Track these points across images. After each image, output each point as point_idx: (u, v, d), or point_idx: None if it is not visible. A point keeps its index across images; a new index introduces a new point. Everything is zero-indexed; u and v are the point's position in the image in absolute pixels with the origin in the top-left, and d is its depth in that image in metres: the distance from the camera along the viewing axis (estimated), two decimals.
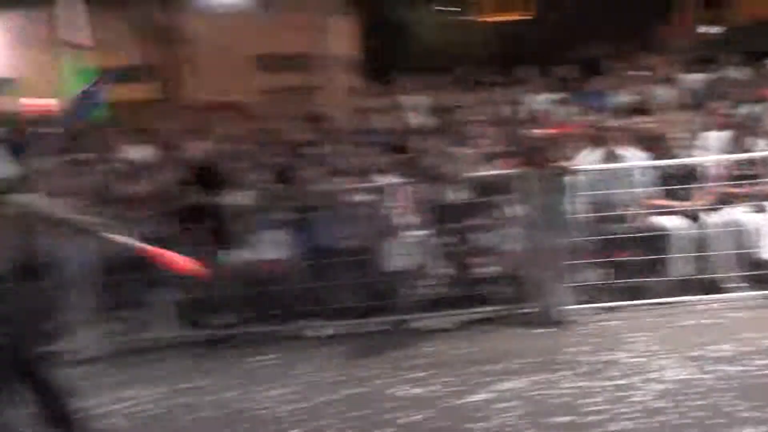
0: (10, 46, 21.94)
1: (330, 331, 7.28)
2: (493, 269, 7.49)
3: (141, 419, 5.54)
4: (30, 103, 18.51)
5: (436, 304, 7.42)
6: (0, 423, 4.48)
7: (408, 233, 7.30)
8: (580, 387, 5.31)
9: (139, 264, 7.02)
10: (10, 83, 22.37)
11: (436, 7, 28.67)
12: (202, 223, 7.43)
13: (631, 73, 12.31)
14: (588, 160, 7.72)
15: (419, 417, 4.97)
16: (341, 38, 26.59)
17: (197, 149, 8.11)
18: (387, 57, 28.57)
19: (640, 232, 7.26)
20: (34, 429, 4.56)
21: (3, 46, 23.27)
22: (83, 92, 11.52)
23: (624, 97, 10.88)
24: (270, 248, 7.39)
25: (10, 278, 4.30)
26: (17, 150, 6.31)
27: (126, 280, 7.32)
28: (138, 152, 8.86)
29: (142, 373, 6.61)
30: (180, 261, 4.60)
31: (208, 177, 7.70)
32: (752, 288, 6.98)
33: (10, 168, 4.61)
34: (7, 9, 22.16)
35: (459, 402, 5.21)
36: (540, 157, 7.21)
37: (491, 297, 7.41)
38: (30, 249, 4.48)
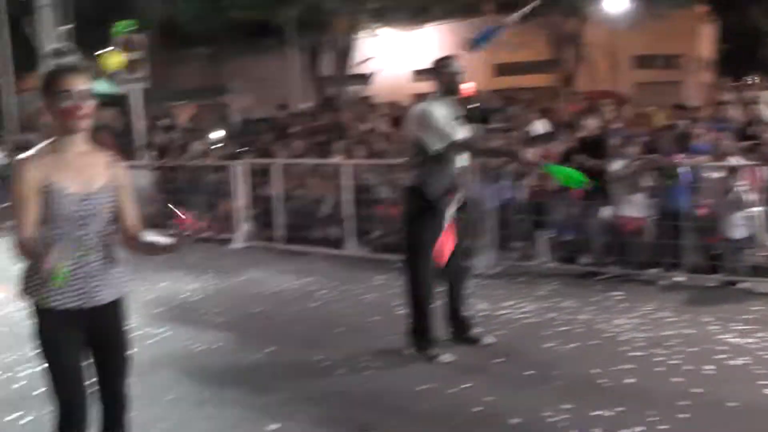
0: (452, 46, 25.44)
1: (672, 281, 7.66)
2: None
3: (514, 325, 6.34)
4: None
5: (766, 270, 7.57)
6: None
7: (749, 208, 7.44)
8: None
9: (531, 208, 8.52)
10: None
11: None
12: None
13: None
14: None
15: (739, 362, 5.25)
16: (704, 42, 26.56)
17: (587, 126, 8.58)
18: (740, 58, 28.23)
19: None
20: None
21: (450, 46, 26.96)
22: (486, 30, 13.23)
23: None
24: (634, 208, 7.91)
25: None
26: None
27: (520, 220, 8.66)
28: (540, 126, 9.78)
29: (521, 291, 7.50)
30: None
31: (594, 147, 8.21)
32: None
33: (472, 130, 5.82)
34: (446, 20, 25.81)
35: None
36: None
37: None
38: (462, 185, 5.64)
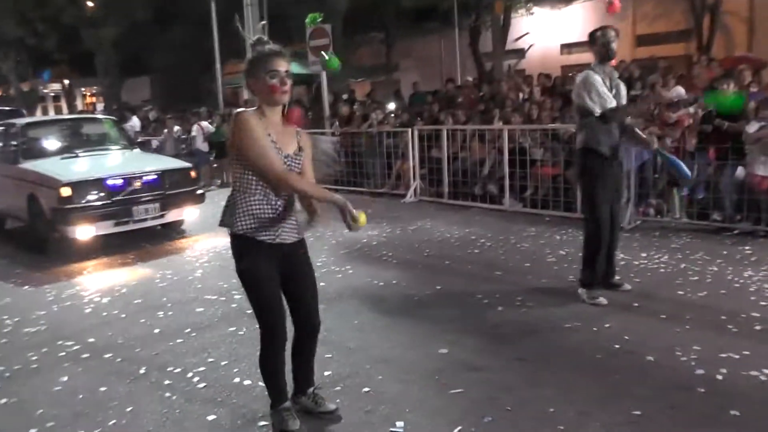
0: (599, 21, 24.66)
1: None
2: None
3: (650, 274, 6.15)
4: None
5: None
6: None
7: None
8: None
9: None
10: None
11: None
12: (723, 143, 7.74)
13: None
14: None
15: None
16: None
17: (724, 91, 7.90)
18: None
19: None
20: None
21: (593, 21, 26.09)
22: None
23: None
24: (765, 167, 7.37)
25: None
26: None
27: (656, 178, 8.48)
28: (676, 92, 9.12)
29: (656, 244, 7.27)
30: None
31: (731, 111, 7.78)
32: None
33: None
34: None
35: None
36: None
37: None
38: (618, 141, 5.46)
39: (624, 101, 5.57)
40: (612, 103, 5.29)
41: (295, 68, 16.17)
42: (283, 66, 3.15)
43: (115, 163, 8.86)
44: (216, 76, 19.63)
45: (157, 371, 4.42)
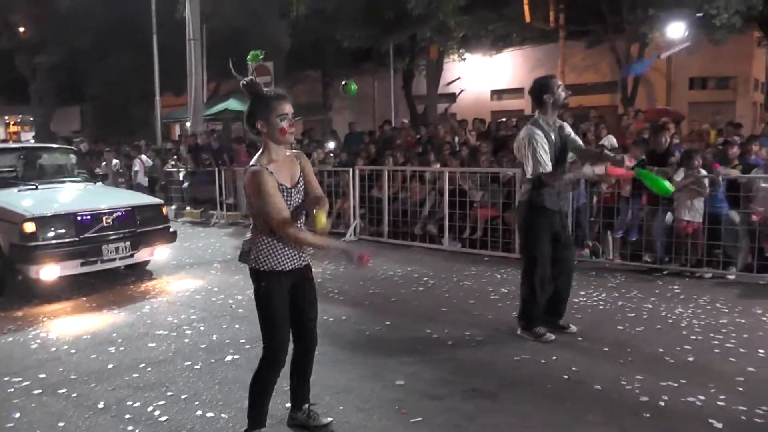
0: (528, 70, 26.08)
1: (726, 276, 7.76)
2: None
3: (591, 311, 6.50)
4: None
5: None
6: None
7: None
8: None
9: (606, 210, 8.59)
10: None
11: None
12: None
13: None
14: None
15: None
16: (757, 64, 25.96)
17: (659, 142, 8.63)
18: None
19: None
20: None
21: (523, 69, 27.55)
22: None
23: None
24: (692, 213, 7.90)
25: None
26: None
27: (593, 221, 8.96)
28: (608, 140, 9.81)
29: (593, 282, 7.59)
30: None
31: (661, 160, 8.31)
32: None
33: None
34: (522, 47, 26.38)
35: None
36: None
37: None
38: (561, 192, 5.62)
39: (569, 152, 5.69)
40: (547, 168, 5.34)
41: (235, 105, 16.34)
42: (289, 109, 3.47)
43: (80, 197, 8.28)
44: (155, 108, 19.43)
45: (116, 405, 4.43)
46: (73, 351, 5.57)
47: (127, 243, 7.67)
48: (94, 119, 29.85)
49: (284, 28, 19.39)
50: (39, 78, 27.26)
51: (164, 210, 8.48)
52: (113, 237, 7.58)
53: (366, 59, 27.34)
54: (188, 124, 18.89)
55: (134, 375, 4.99)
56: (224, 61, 16.92)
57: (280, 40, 18.71)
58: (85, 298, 7.32)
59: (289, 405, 4.02)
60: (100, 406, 4.44)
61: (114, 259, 7.62)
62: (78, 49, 23.78)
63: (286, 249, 3.54)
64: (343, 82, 3.17)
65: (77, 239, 7.31)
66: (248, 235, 3.64)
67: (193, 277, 8.33)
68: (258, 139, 3.58)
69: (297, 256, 3.58)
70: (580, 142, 5.81)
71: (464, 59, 26.60)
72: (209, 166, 14.43)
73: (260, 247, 3.53)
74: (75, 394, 4.66)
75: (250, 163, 3.51)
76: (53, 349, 5.66)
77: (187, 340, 5.79)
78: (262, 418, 3.70)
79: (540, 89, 5.52)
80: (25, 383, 4.90)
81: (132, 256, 7.82)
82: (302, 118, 27.59)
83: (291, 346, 3.73)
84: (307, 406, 3.94)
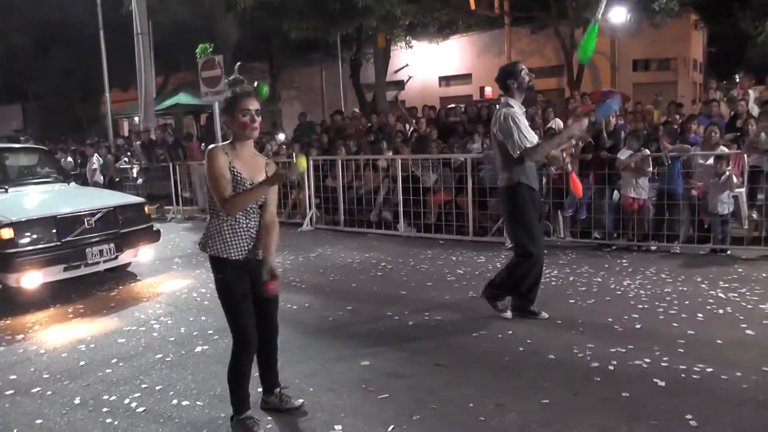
0: (475, 56, 26.43)
1: (671, 250, 8.22)
2: None
3: (544, 287, 6.54)
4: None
5: (749, 240, 8.02)
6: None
7: (734, 189, 7.85)
8: None
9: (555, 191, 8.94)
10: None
11: None
12: (601, 170, 8.61)
13: None
14: None
15: (724, 311, 5.75)
16: (694, 46, 27.03)
17: (607, 121, 9.08)
18: (728, 60, 28.72)
19: None
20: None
21: (470, 55, 27.94)
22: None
23: None
24: (638, 190, 8.34)
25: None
26: None
27: (543, 201, 9.37)
28: (555, 124, 10.26)
29: (548, 260, 7.18)
30: (578, 186, 6.46)
31: (610, 139, 8.82)
32: None
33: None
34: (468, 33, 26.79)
35: (751, 307, 5.80)
36: None
37: None
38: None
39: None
40: (533, 141, 5.49)
41: (185, 99, 16.25)
42: (253, 105, 3.63)
43: (57, 198, 7.87)
44: (105, 105, 19.16)
45: (93, 400, 4.53)
46: (42, 351, 5.62)
47: (111, 245, 7.38)
48: (39, 118, 29.27)
49: (231, 21, 19.33)
50: None
51: (146, 209, 8.23)
52: (96, 239, 7.27)
53: (313, 49, 27.41)
54: (136, 119, 18.74)
55: (107, 370, 5.08)
56: (172, 56, 16.83)
57: (227, 33, 18.64)
58: (48, 299, 7.21)
59: (260, 389, 4.20)
60: (77, 401, 4.53)
61: (98, 263, 7.33)
62: (16, 47, 23.26)
63: (237, 239, 3.66)
64: (255, 83, 3.29)
65: (59, 243, 6.96)
66: (207, 221, 3.81)
67: (156, 273, 8.40)
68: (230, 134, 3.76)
69: (247, 246, 3.69)
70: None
71: (411, 47, 26.88)
72: (163, 161, 14.39)
73: (212, 234, 3.67)
74: (49, 392, 4.73)
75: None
76: (20, 350, 5.70)
77: (156, 334, 5.91)
78: (246, 403, 3.88)
79: (504, 75, 5.70)
80: None
81: (116, 258, 7.53)
82: None
83: None
84: (278, 390, 4.12)
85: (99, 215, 7.37)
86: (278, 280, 3.75)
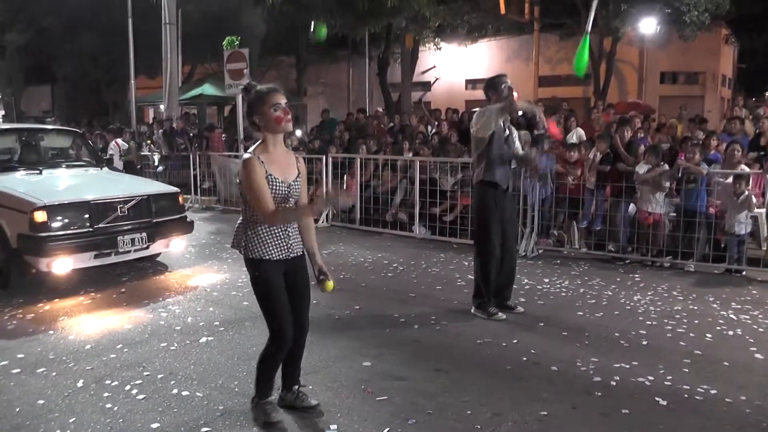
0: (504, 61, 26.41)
1: (685, 267, 8.08)
2: None
3: (553, 297, 6.85)
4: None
5: (766, 262, 7.83)
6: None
7: (753, 209, 7.76)
8: None
9: (567, 202, 8.91)
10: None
11: None
12: (618, 182, 8.54)
13: None
14: None
15: (734, 333, 5.70)
16: (724, 60, 26.73)
17: (621, 137, 8.91)
18: (757, 77, 28.47)
19: None
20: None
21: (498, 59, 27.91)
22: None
23: None
24: (654, 205, 8.30)
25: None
26: None
27: (559, 211, 9.14)
28: (577, 134, 10.17)
29: (558, 270, 7.98)
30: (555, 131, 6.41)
31: (626, 152, 8.73)
32: None
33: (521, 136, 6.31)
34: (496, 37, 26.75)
35: (762, 330, 5.75)
36: None
37: None
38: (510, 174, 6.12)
39: (516, 143, 6.19)
40: (488, 132, 5.83)
41: (210, 90, 16.36)
42: (282, 99, 3.65)
43: (91, 183, 7.73)
44: (129, 91, 19.30)
45: (95, 384, 4.58)
46: (51, 332, 5.70)
47: (144, 234, 7.20)
48: (66, 100, 29.59)
49: (259, 14, 19.42)
50: (8, 57, 26.89)
51: (181, 198, 8.01)
52: (128, 227, 7.10)
53: (341, 46, 27.44)
54: (161, 107, 18.88)
55: (111, 355, 5.13)
56: (199, 46, 17.02)
57: (255, 26, 18.73)
58: (61, 281, 7.14)
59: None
60: (79, 384, 4.58)
61: (129, 251, 7.14)
62: (48, 29, 23.52)
63: (274, 239, 3.69)
64: (312, 25, 3.20)
65: (91, 229, 6.81)
66: (240, 221, 3.81)
67: (168, 261, 8.45)
68: (258, 135, 3.75)
69: (285, 246, 3.73)
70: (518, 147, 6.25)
71: (439, 48, 26.82)
72: (184, 150, 14.48)
73: (249, 236, 3.70)
74: (54, 374, 4.79)
75: (246, 152, 3.72)
76: (30, 330, 5.78)
77: (162, 323, 5.95)
78: (270, 389, 3.99)
79: (487, 86, 6.10)
80: (3, 362, 5.02)
81: (148, 248, 7.34)
82: None
83: None
84: (296, 387, 4.10)
85: (132, 203, 7.22)
86: (328, 276, 3.88)
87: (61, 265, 6.66)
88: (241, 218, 3.81)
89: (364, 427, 3.93)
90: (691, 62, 25.39)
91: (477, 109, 6.18)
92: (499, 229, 6.01)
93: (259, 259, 3.68)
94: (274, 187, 3.62)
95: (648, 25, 21.02)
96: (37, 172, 7.67)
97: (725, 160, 8.44)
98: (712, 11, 18.44)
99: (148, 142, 15.60)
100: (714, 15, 19.13)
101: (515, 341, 5.45)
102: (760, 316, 6.24)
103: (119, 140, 14.29)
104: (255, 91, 3.68)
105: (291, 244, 3.77)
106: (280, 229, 3.72)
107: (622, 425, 3.94)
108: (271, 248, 3.69)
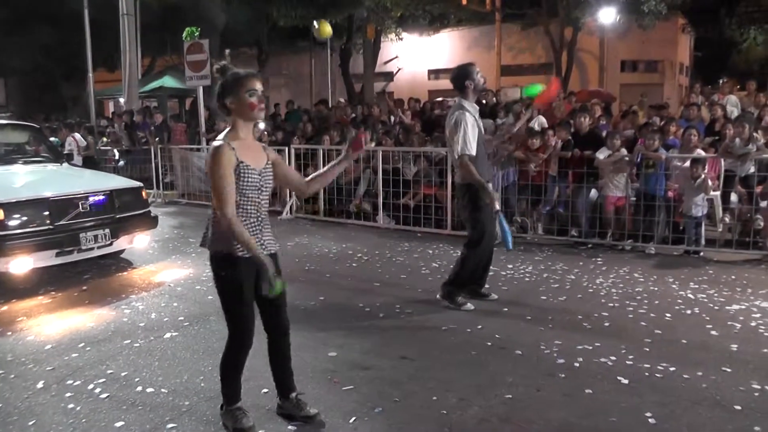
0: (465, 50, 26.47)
1: (646, 250, 8.23)
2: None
3: (517, 283, 6.87)
4: None
5: (721, 243, 8.09)
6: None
7: (709, 192, 7.87)
8: None
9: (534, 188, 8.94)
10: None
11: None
12: (580, 168, 8.62)
13: None
14: None
15: (692, 312, 5.80)
16: (681, 49, 27.28)
17: (581, 122, 9.03)
18: (713, 64, 29.02)
19: None
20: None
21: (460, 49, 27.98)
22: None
23: None
24: (616, 189, 8.47)
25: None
26: None
27: (521, 198, 9.18)
28: (539, 121, 10.12)
29: (521, 257, 8.00)
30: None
31: (585, 140, 8.79)
32: None
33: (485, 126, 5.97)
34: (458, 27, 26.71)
35: (717, 308, 5.90)
36: None
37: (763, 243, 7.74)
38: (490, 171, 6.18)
39: (483, 132, 6.10)
40: (471, 151, 5.69)
41: (170, 82, 16.15)
42: (259, 86, 3.42)
43: (50, 179, 7.55)
44: (88, 84, 18.88)
45: (56, 385, 4.47)
46: (9, 333, 5.57)
47: (107, 230, 7.06)
48: (21, 94, 28.80)
49: (219, 5, 19.19)
50: None
51: (144, 193, 7.88)
52: (91, 224, 6.96)
53: (303, 37, 27.25)
54: (122, 100, 18.57)
55: (73, 355, 5.03)
56: (158, 38, 16.72)
57: (215, 16, 18.49)
58: (19, 281, 6.93)
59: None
60: (40, 386, 4.47)
61: (92, 248, 6.97)
62: None
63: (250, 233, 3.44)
64: (315, 22, 3.07)
65: (52, 227, 6.64)
66: (210, 213, 3.52)
67: (130, 257, 8.34)
68: (227, 119, 3.52)
69: (258, 243, 3.44)
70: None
71: (401, 39, 26.82)
72: (145, 144, 14.28)
73: (218, 230, 3.43)
74: (12, 376, 4.67)
75: (216, 139, 3.47)
76: None
77: (126, 320, 5.86)
78: (237, 394, 3.76)
79: (462, 76, 5.86)
80: None
81: (111, 244, 7.19)
82: None
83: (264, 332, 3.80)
84: (294, 395, 3.91)
85: (94, 199, 7.07)
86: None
87: (21, 264, 6.50)
88: (211, 212, 3.52)
89: (330, 416, 3.92)
90: (650, 51, 25.82)
91: (450, 101, 6.12)
92: (493, 226, 5.98)
93: (229, 255, 3.40)
94: (246, 177, 3.38)
95: (607, 15, 21.31)
96: None
97: (682, 145, 8.60)
98: (668, 1, 18.74)
99: (105, 138, 15.32)
100: (671, 5, 19.47)
101: (480, 327, 5.49)
102: (716, 294, 6.39)
103: (76, 135, 13.97)
104: (231, 74, 3.44)
105: (264, 241, 3.51)
106: (253, 224, 3.46)
107: (585, 405, 4.00)
108: (235, 245, 3.39)
